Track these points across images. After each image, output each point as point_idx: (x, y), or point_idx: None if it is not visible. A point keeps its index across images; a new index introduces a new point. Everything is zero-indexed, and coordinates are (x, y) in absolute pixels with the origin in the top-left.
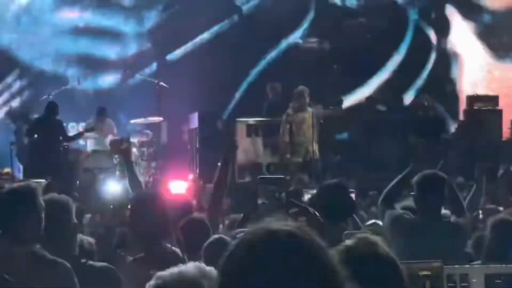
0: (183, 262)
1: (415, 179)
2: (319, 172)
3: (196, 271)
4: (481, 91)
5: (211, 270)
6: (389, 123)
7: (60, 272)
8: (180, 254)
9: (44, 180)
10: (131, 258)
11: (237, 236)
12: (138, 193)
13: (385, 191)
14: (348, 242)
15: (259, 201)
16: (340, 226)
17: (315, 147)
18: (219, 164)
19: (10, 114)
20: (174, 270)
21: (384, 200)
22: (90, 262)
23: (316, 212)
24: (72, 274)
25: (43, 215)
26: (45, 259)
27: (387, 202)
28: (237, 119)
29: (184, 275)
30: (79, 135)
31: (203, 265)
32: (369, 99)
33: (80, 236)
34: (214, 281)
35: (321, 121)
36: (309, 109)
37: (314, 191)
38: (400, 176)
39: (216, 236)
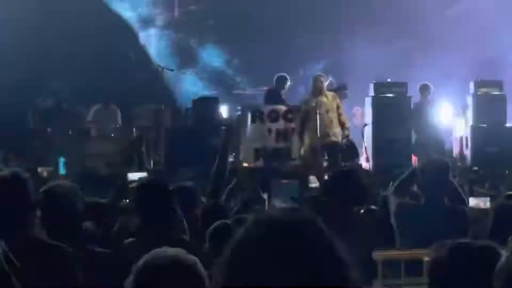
0: (190, 246)
1: (418, 164)
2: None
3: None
4: None
5: None
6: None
7: (61, 256)
8: (187, 239)
9: (50, 168)
10: (134, 240)
11: (238, 220)
12: (144, 180)
13: (396, 182)
14: None
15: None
16: (353, 211)
17: (337, 130)
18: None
19: None
20: (158, 249)
21: (396, 191)
22: (95, 248)
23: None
24: (72, 259)
25: (32, 199)
26: (46, 244)
27: (399, 193)
28: (240, 105)
29: (166, 252)
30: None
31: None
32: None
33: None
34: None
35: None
36: (329, 94)
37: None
38: (410, 169)
39: (219, 222)
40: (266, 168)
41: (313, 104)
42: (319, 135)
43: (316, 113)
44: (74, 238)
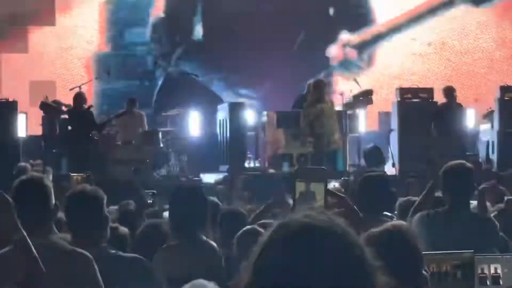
0: (218, 254)
1: (441, 170)
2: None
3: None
4: None
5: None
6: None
7: (79, 262)
8: (216, 247)
9: (83, 174)
10: (164, 245)
11: (264, 225)
12: (179, 184)
13: (412, 207)
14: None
15: (297, 191)
16: (379, 219)
17: (337, 137)
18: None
19: (45, 105)
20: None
21: (413, 216)
22: (120, 252)
23: (354, 204)
24: (92, 264)
25: (52, 204)
26: (64, 250)
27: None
28: (265, 111)
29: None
30: (109, 121)
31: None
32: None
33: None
34: None
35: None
36: (328, 100)
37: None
38: (424, 193)
39: (249, 226)
40: (292, 172)
41: (315, 110)
42: (321, 142)
43: (319, 120)
44: (99, 243)
